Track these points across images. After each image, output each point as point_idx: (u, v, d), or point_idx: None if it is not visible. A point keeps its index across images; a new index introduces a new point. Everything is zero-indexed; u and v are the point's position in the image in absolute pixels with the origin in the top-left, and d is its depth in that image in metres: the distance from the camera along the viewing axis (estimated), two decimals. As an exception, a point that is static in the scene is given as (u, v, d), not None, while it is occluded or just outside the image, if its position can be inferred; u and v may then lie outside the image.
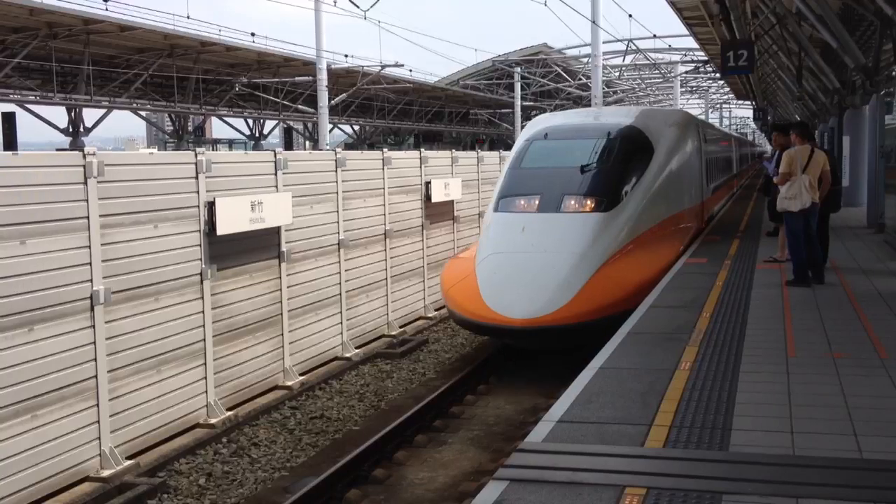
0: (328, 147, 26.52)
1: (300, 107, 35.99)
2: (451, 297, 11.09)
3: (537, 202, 11.47)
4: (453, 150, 17.53)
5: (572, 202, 11.27)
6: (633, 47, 40.52)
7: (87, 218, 7.85)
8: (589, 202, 11.28)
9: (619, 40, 40.74)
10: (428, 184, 15.08)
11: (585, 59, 43.77)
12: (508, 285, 10.21)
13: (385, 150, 14.85)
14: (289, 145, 44.65)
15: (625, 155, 12.16)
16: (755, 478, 4.28)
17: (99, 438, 7.93)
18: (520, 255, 10.66)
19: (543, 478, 4.39)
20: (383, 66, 33.42)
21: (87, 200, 7.85)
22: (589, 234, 10.79)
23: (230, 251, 9.84)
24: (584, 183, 11.57)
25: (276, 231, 10.68)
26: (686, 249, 13.12)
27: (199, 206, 9.31)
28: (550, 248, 10.59)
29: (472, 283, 10.57)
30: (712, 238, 14.93)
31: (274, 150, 11.12)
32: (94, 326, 7.88)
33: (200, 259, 9.35)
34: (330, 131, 34.60)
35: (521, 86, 45.19)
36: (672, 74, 47.72)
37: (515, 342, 10.87)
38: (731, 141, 29.66)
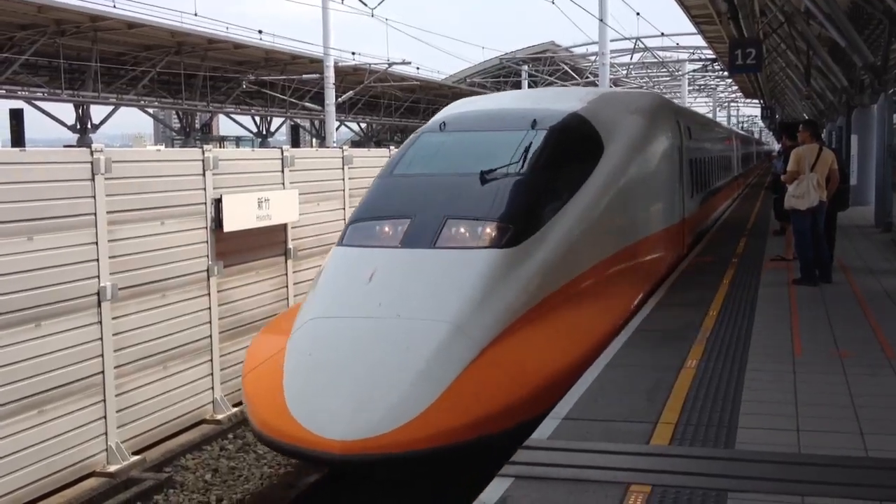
0: (335, 145, 26.55)
1: (307, 104, 36.05)
2: (245, 392, 6.57)
3: (403, 230, 7.13)
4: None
5: (460, 231, 7.05)
6: (641, 45, 40.51)
7: (95, 214, 7.89)
8: (486, 231, 7.02)
9: (626, 38, 40.71)
10: (434, 181, 15.05)
11: (593, 58, 43.79)
12: (328, 378, 5.87)
13: (392, 147, 14.85)
14: (296, 143, 44.69)
15: (555, 156, 7.97)
16: (761, 476, 4.28)
17: (106, 434, 7.97)
18: (357, 323, 6.36)
19: (548, 475, 4.39)
20: (390, 64, 33.50)
21: (94, 197, 7.89)
22: (478, 284, 6.54)
23: (237, 248, 9.87)
24: (483, 200, 7.32)
25: (282, 228, 10.71)
26: (653, 293, 9.21)
27: (206, 203, 9.35)
28: (409, 310, 6.33)
29: (273, 373, 6.21)
30: (718, 238, 14.88)
31: (281, 148, 11.15)
32: (101, 322, 7.92)
33: (207, 256, 9.38)
34: (337, 129, 34.66)
35: (528, 84, 45.12)
36: (680, 72, 47.71)
37: (342, 470, 6.74)
38: (731, 138, 24.86)
